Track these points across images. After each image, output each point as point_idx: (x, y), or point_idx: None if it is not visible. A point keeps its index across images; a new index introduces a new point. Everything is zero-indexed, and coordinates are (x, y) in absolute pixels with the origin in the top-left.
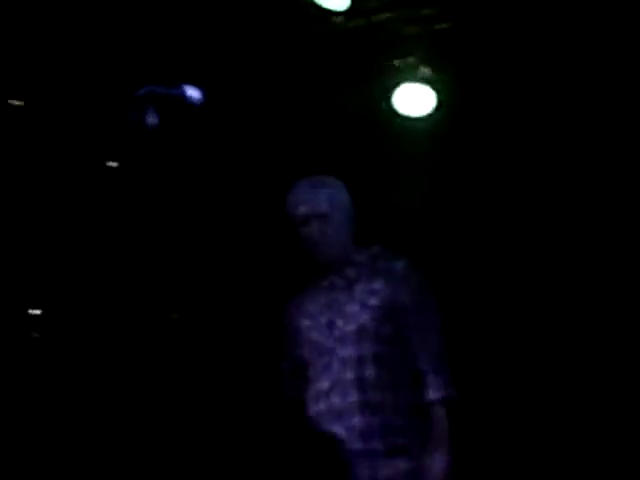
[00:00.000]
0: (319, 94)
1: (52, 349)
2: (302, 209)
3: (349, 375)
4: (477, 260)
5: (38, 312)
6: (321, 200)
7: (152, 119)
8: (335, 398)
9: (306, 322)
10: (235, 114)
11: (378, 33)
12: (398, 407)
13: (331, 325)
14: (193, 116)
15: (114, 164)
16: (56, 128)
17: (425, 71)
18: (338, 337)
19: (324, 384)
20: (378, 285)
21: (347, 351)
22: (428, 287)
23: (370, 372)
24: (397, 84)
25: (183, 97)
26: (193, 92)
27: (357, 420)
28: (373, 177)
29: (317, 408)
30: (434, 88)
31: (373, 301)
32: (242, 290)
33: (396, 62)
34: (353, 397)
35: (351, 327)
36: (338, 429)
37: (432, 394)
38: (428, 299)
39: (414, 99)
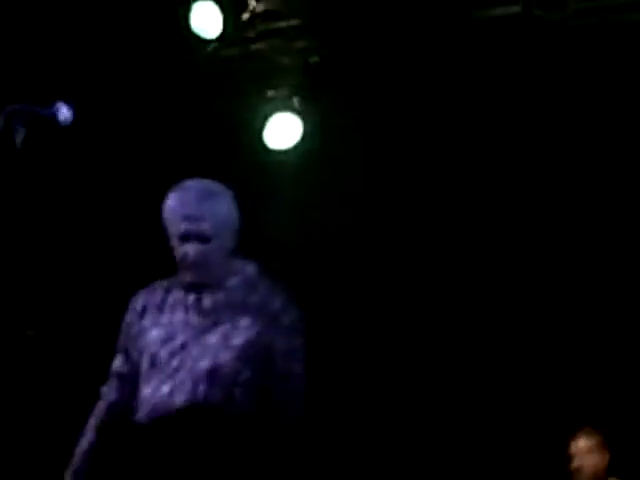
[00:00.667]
0: (189, 120)
1: None
2: (184, 225)
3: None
4: (349, 286)
5: None
6: (207, 219)
7: (20, 137)
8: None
9: (154, 332)
10: (104, 138)
11: (252, 62)
12: None
13: (185, 348)
14: (61, 134)
15: None
16: None
17: (296, 102)
18: (189, 368)
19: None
20: (245, 322)
21: (195, 387)
22: (301, 330)
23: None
24: (269, 114)
25: (54, 116)
26: (64, 111)
27: None
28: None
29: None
30: (303, 119)
31: (237, 340)
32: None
33: (269, 92)
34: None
35: (205, 363)
36: None
37: None
38: (299, 344)
39: (283, 130)
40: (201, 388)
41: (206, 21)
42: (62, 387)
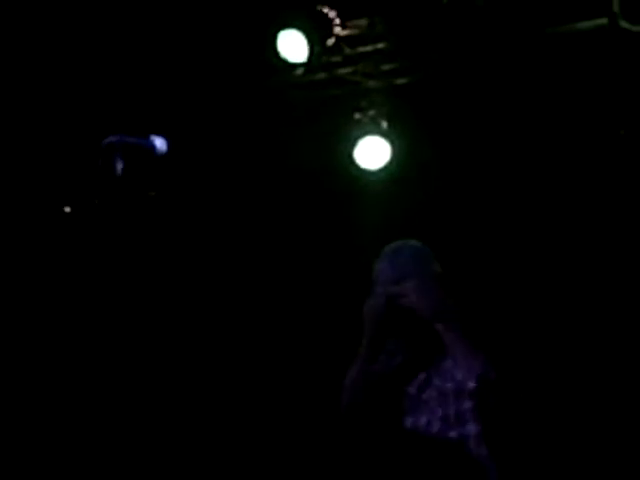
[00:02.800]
0: (278, 145)
1: None
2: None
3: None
4: None
5: None
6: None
7: (120, 167)
8: None
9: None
10: (198, 165)
11: (338, 86)
12: None
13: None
14: (158, 165)
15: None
16: (16, 172)
17: (384, 124)
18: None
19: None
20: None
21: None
22: None
23: None
24: (358, 137)
25: (152, 147)
26: (160, 143)
27: None
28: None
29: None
30: (390, 141)
31: None
32: None
33: (357, 115)
34: None
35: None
36: None
37: None
38: None
39: (372, 152)
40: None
41: (293, 47)
42: None
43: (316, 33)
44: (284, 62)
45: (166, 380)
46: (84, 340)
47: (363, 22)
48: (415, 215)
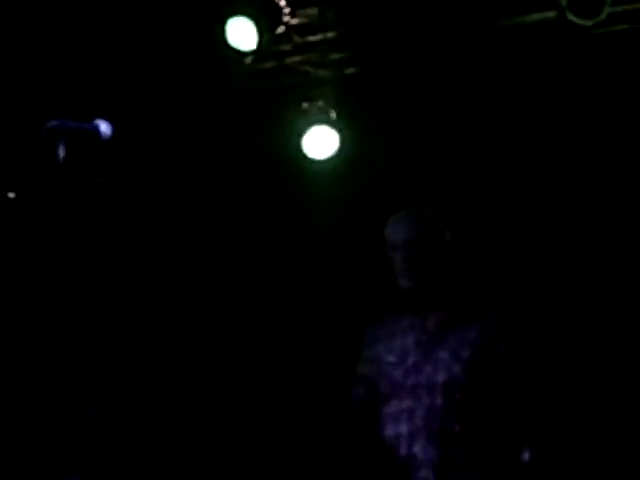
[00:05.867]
0: (225, 133)
1: None
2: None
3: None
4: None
5: None
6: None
7: (62, 152)
8: (416, 447)
9: (389, 357)
10: (144, 151)
11: (287, 75)
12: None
13: (418, 369)
14: (103, 150)
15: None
16: None
17: (332, 114)
18: (425, 384)
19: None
20: (471, 335)
21: (435, 401)
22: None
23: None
24: (306, 127)
25: (96, 131)
26: (105, 127)
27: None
28: (281, 217)
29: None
30: (338, 131)
31: (465, 353)
32: None
33: (305, 105)
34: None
35: (440, 377)
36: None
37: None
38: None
39: (320, 142)
40: (439, 402)
41: (242, 36)
42: None
43: (266, 21)
44: (233, 50)
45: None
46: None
47: (313, 11)
48: (363, 205)
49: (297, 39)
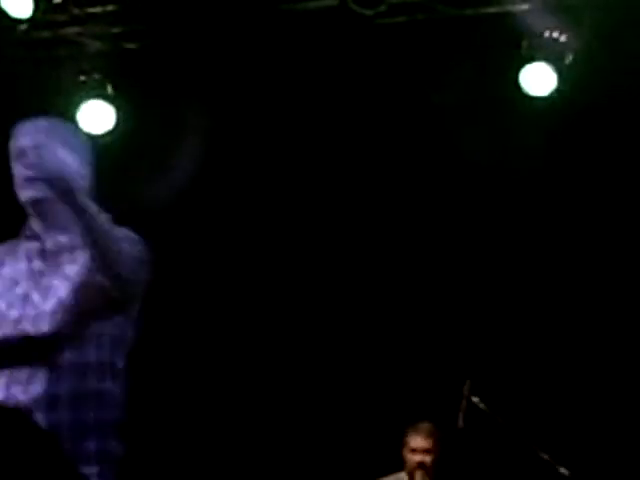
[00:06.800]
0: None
1: None
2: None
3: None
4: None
5: None
6: None
7: None
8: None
9: None
10: None
11: (64, 47)
12: None
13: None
14: None
15: None
16: None
17: (109, 89)
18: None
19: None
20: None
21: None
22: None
23: None
24: (81, 100)
25: None
26: None
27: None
28: None
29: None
30: (116, 106)
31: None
32: None
33: (81, 78)
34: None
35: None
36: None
37: None
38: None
39: (96, 116)
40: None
41: (16, 2)
42: None
43: None
44: (6, 17)
45: None
46: None
47: None
48: (138, 184)
49: (75, 10)
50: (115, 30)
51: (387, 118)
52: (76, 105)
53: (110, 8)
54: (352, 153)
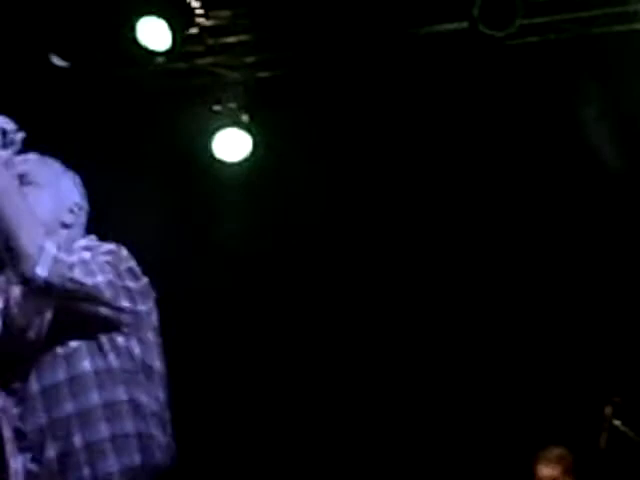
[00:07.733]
0: (136, 136)
1: None
2: None
3: None
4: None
5: None
6: None
7: None
8: None
9: None
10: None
11: (199, 77)
12: None
13: None
14: None
15: None
16: None
17: (244, 117)
18: None
19: None
20: None
21: None
22: None
23: None
24: (216, 129)
25: None
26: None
27: None
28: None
29: None
30: (251, 134)
31: None
32: None
33: (216, 107)
34: None
35: None
36: None
37: None
38: None
39: (232, 144)
40: None
41: (153, 35)
42: None
43: (178, 21)
44: (144, 50)
45: None
46: None
47: (227, 13)
48: (276, 208)
49: (210, 41)
50: (249, 59)
51: (521, 139)
52: (211, 134)
53: (244, 38)
54: (486, 174)
